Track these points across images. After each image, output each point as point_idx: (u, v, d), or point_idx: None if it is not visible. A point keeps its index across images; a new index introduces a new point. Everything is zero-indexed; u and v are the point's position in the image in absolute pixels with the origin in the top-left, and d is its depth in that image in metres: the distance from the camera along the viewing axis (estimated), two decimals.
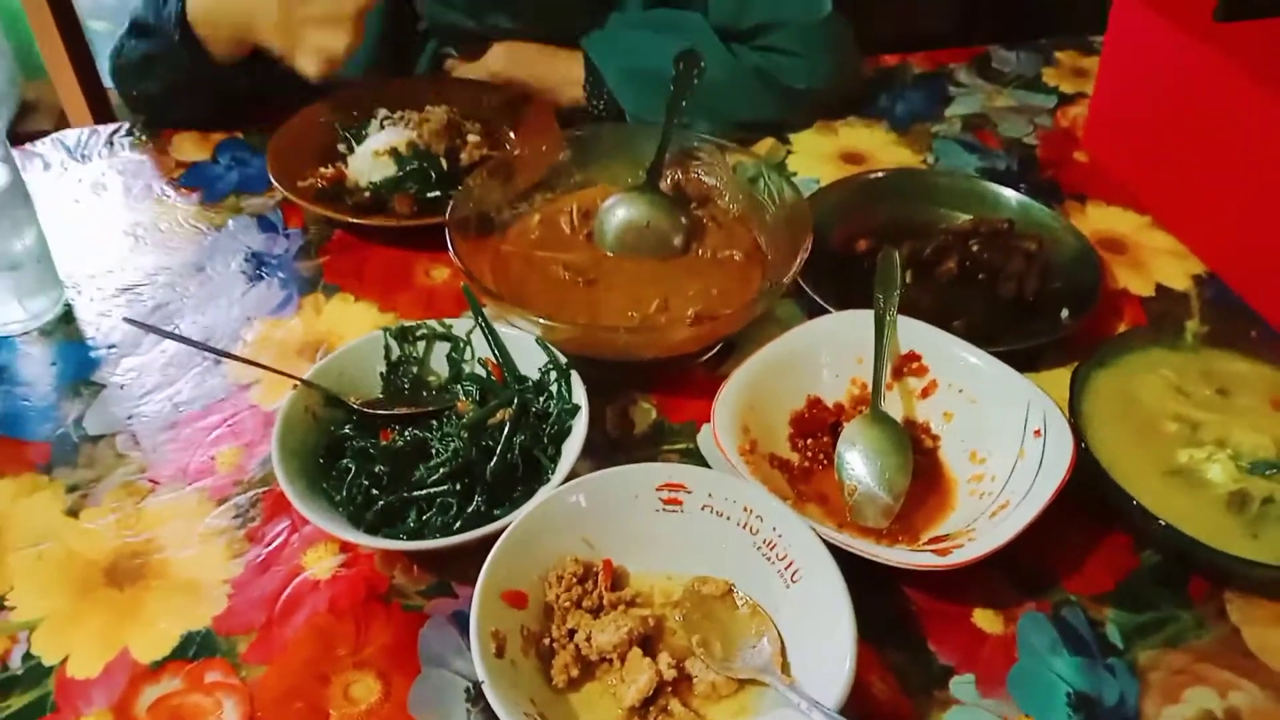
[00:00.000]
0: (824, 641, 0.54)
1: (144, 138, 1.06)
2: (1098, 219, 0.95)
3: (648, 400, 0.76)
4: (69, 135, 1.06)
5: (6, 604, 0.63)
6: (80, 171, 1.01)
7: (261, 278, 0.88)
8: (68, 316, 0.84)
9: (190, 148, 1.04)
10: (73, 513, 0.68)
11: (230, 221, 0.94)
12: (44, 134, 1.07)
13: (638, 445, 0.73)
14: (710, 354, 0.78)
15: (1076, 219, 0.95)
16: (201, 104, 1.02)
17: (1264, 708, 0.58)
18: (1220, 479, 0.63)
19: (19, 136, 2.21)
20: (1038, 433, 0.65)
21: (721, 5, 1.01)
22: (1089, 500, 0.65)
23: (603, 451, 0.72)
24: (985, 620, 0.62)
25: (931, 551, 0.60)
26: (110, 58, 1.04)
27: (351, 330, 0.82)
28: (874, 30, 1.64)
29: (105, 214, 0.96)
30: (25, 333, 0.82)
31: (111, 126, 1.07)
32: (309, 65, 0.89)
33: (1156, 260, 0.90)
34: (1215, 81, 0.84)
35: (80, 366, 0.79)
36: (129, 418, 0.75)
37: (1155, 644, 0.61)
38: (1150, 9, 0.91)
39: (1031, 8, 2.12)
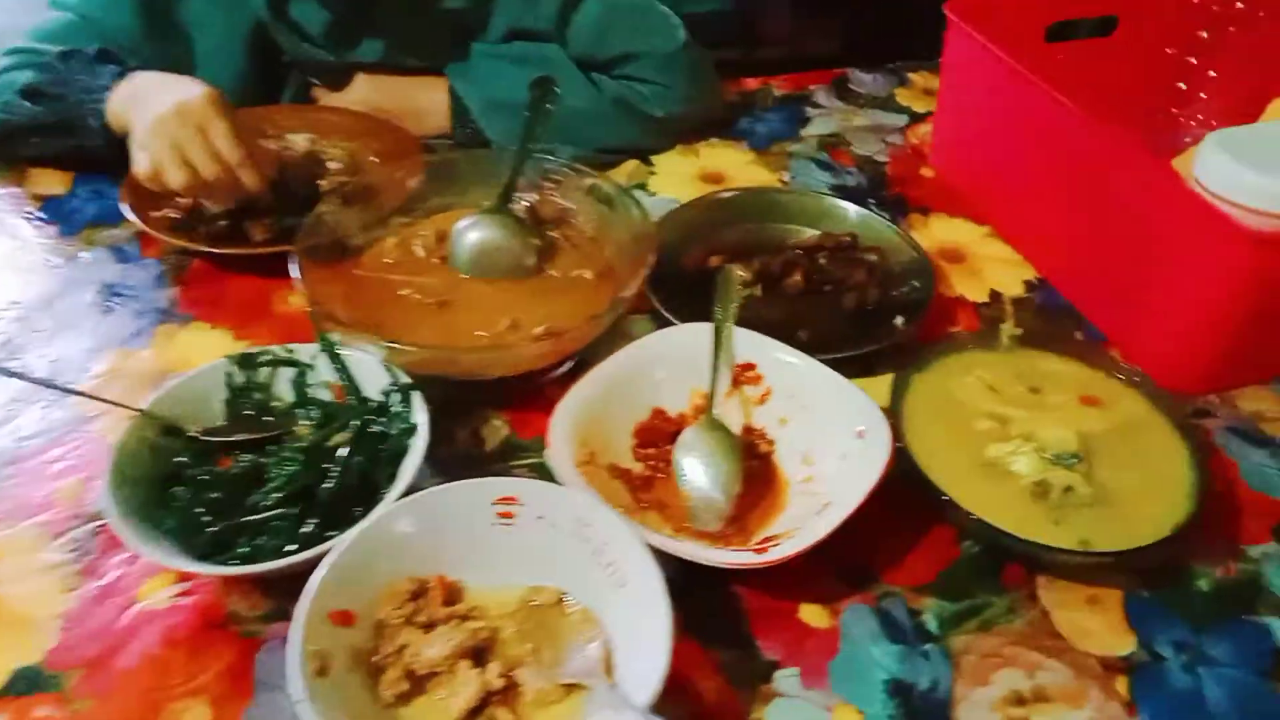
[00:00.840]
0: (646, 643, 0.56)
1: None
2: (940, 230, 1.00)
3: (500, 417, 0.78)
4: None
5: None
6: None
7: (114, 309, 0.87)
8: None
9: (48, 181, 1.03)
10: None
11: (85, 254, 0.93)
12: None
13: (488, 461, 0.75)
14: (561, 371, 0.80)
15: (920, 231, 1.00)
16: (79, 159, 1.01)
17: (1069, 685, 0.61)
18: (1026, 470, 0.67)
19: None
20: (861, 434, 0.69)
21: (580, 37, 1.04)
22: (913, 498, 0.69)
23: (453, 469, 0.73)
24: (811, 615, 0.65)
25: (752, 550, 0.62)
26: None
27: (206, 359, 0.81)
28: (761, 55, 1.70)
29: None
30: None
31: None
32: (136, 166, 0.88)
33: (992, 268, 0.95)
34: (1040, 101, 0.90)
35: None
36: None
37: (969, 630, 0.64)
38: (980, 32, 0.97)
39: (912, 31, 2.21)
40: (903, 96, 1.23)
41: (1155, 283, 0.81)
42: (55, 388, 0.75)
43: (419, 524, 0.61)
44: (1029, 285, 0.93)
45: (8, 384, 0.79)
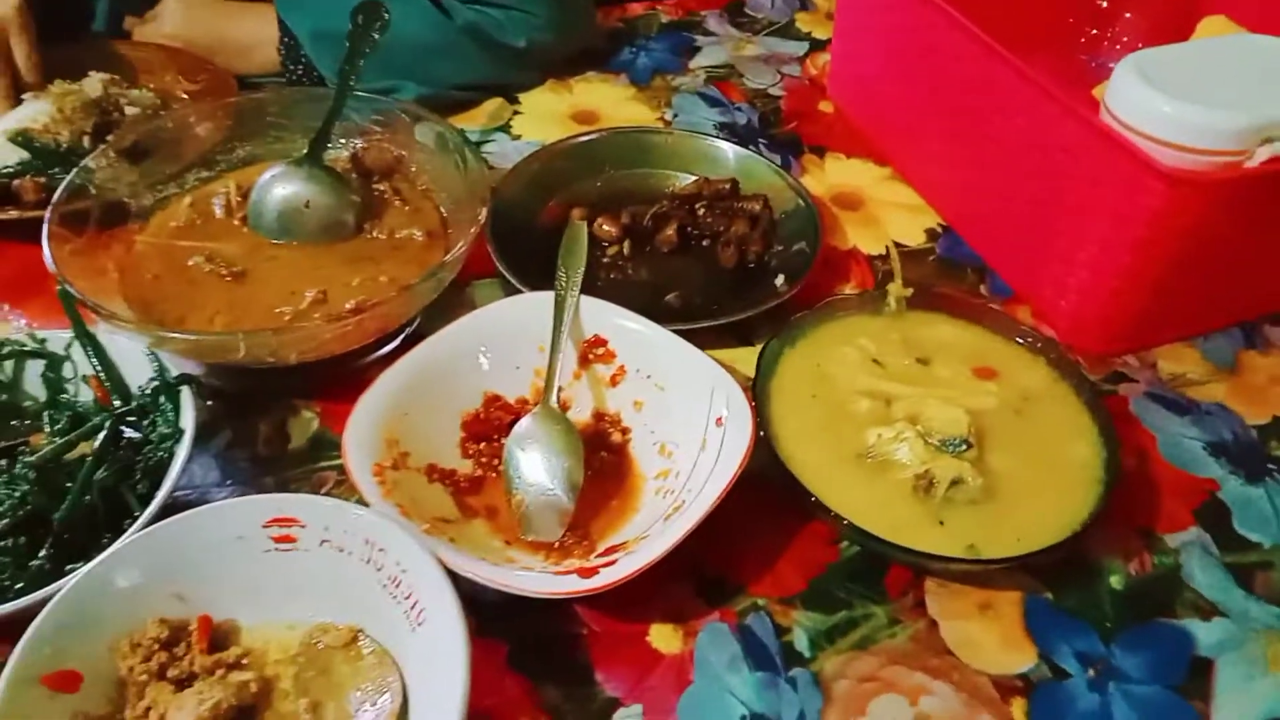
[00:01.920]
0: (444, 693, 0.46)
1: None
2: (836, 173, 0.89)
3: (310, 409, 0.66)
4: None
5: None
6: None
7: None
8: None
9: None
10: None
11: None
12: None
13: (292, 463, 0.63)
14: (384, 352, 0.69)
15: (814, 173, 0.89)
16: None
17: (957, 711, 0.52)
18: (908, 460, 0.57)
19: None
20: (720, 421, 0.58)
21: None
22: (784, 494, 0.59)
23: (249, 475, 0.62)
24: (662, 638, 0.55)
25: (577, 573, 0.52)
26: None
27: None
28: None
29: None
30: None
31: None
32: None
33: (892, 215, 0.85)
34: (945, 28, 0.78)
35: None
36: None
37: (844, 648, 0.55)
38: None
39: None
40: (803, 21, 1.11)
41: (1066, 228, 0.71)
42: None
43: (165, 559, 0.50)
44: (930, 233, 0.83)
45: None
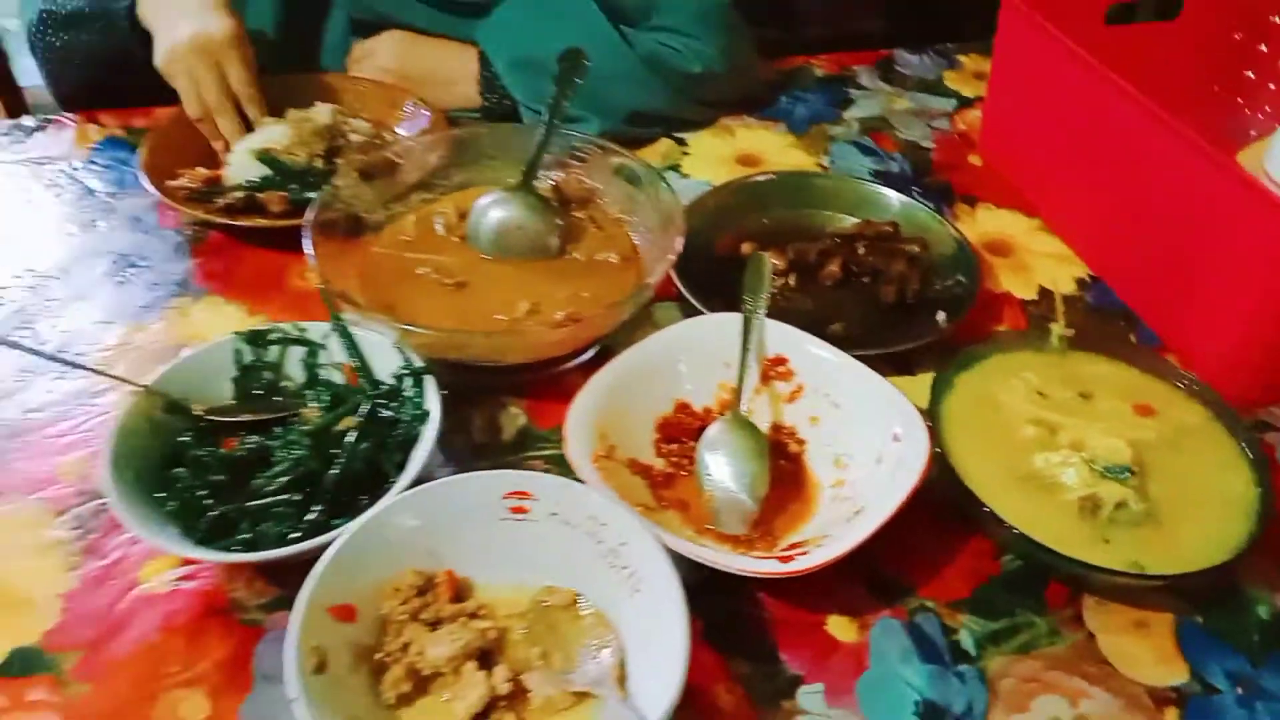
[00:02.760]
0: (661, 652, 0.53)
1: (23, 137, 1.02)
2: (987, 222, 0.95)
3: (517, 405, 0.75)
4: None
5: None
6: None
7: (129, 280, 0.85)
8: None
9: (66, 149, 1.01)
10: None
11: (101, 222, 0.91)
12: None
13: (503, 451, 0.72)
14: (584, 358, 0.77)
15: (966, 222, 0.95)
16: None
17: (1115, 715, 0.57)
18: (1074, 483, 0.62)
19: None
20: (896, 437, 0.65)
21: None
22: (952, 507, 0.65)
23: (466, 458, 0.70)
24: (839, 628, 0.61)
25: (777, 558, 0.59)
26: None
27: (218, 335, 0.79)
28: (803, 33, 1.65)
29: None
30: None
31: None
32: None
33: (1041, 263, 0.91)
34: (1099, 87, 0.84)
35: None
36: None
37: (1008, 651, 0.60)
38: (1036, 13, 0.91)
39: (962, 10, 2.14)
40: (951, 80, 1.18)
41: (1216, 284, 0.75)
42: (62, 361, 0.72)
43: (426, 516, 0.58)
44: (1080, 283, 0.88)
45: (17, 355, 0.77)
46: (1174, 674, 0.59)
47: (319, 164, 0.91)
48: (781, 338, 0.72)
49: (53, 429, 0.72)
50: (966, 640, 0.61)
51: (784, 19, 1.61)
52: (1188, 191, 0.77)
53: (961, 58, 1.22)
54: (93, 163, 0.99)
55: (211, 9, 0.92)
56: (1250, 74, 1.05)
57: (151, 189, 0.87)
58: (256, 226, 0.86)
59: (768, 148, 1.05)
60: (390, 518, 0.57)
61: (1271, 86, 1.06)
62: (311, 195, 0.86)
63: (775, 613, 0.62)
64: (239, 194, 0.88)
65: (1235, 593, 0.63)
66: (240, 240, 0.88)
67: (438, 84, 1.03)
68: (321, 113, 0.94)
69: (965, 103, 1.13)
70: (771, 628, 0.61)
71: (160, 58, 0.92)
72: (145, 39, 0.94)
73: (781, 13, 1.59)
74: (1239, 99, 1.06)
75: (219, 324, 0.81)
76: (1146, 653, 0.60)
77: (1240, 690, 0.58)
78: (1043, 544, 0.58)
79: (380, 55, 1.05)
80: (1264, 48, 1.05)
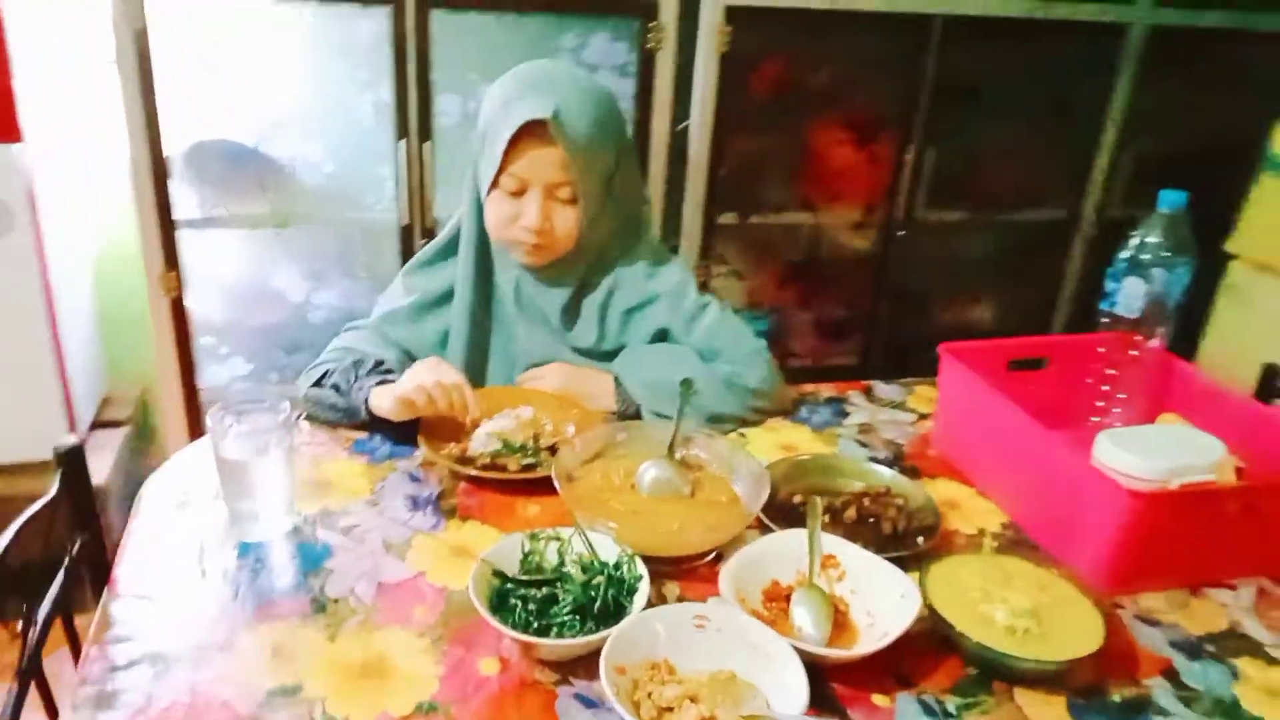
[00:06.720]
0: (790, 699, 1.00)
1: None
2: (942, 489, 1.51)
3: (674, 583, 1.24)
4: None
5: (303, 691, 1.04)
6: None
7: (418, 509, 1.36)
8: (297, 531, 1.30)
9: (351, 430, 1.55)
10: (330, 639, 1.11)
11: (390, 475, 1.44)
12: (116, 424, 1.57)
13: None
14: (708, 559, 1.28)
15: (930, 488, 1.50)
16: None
17: None
18: (1003, 620, 1.13)
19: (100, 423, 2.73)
20: (903, 596, 1.15)
21: (699, 336, 1.62)
22: (937, 636, 1.15)
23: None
24: (880, 700, 1.08)
25: (843, 649, 1.07)
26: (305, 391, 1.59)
27: (481, 542, 1.29)
28: (799, 366, 2.30)
29: (304, 469, 1.44)
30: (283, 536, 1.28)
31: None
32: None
33: (977, 513, 1.45)
34: (1004, 410, 1.43)
35: (312, 559, 1.25)
36: (352, 589, 1.20)
37: (972, 711, 1.07)
38: (962, 363, 1.53)
39: (910, 353, 2.88)
40: (912, 402, 1.79)
41: (1078, 523, 1.30)
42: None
43: (651, 626, 1.07)
44: (1003, 525, 1.43)
45: (365, 551, 1.26)
46: None
47: (530, 443, 1.45)
48: (831, 544, 1.24)
49: (397, 590, 1.20)
50: (951, 707, 1.08)
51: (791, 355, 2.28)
52: (1060, 470, 1.33)
53: (918, 388, 1.84)
54: (372, 439, 1.53)
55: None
56: (1100, 403, 1.67)
57: (432, 455, 1.41)
58: (501, 478, 1.39)
59: (798, 440, 1.62)
60: (634, 625, 1.06)
61: (1116, 410, 1.67)
62: (529, 461, 1.41)
63: (840, 691, 1.09)
64: (485, 459, 1.41)
65: (1100, 686, 1.12)
66: (480, 488, 1.41)
67: (588, 397, 1.61)
68: (525, 412, 1.51)
69: (923, 416, 1.73)
70: (840, 699, 1.08)
71: (398, 390, 1.43)
72: (377, 419, 1.48)
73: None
74: (1094, 418, 1.66)
75: (480, 536, 1.31)
76: (1049, 718, 1.07)
77: None
78: (987, 646, 1.08)
79: (549, 379, 1.64)
80: (1106, 387, 1.67)
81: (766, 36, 2.63)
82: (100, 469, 2.56)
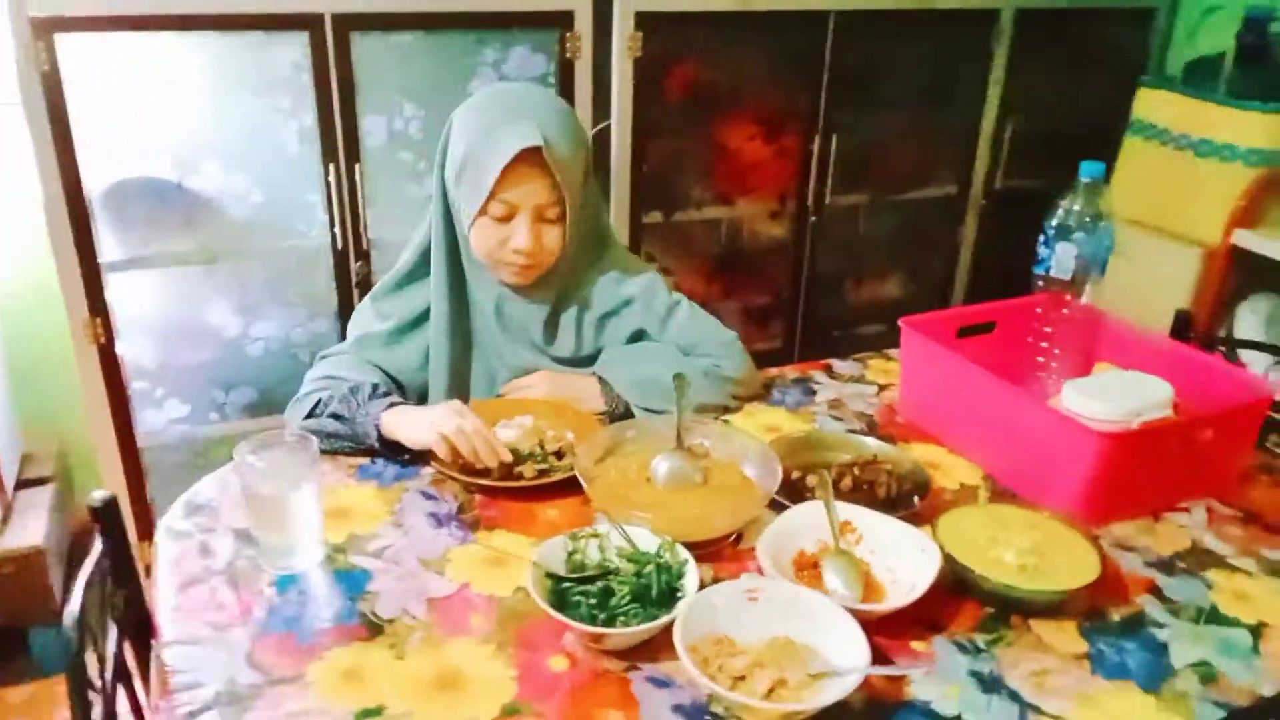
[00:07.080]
0: (848, 661, 1.09)
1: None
2: (919, 452, 1.63)
3: (705, 565, 1.32)
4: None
5: (388, 710, 1.07)
6: None
7: (441, 525, 1.39)
8: (329, 560, 1.31)
9: (350, 456, 1.56)
10: (399, 657, 1.14)
11: (404, 496, 1.46)
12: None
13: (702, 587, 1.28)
14: (729, 539, 1.36)
15: (905, 451, 1.62)
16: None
17: (1052, 668, 1.16)
18: (1013, 560, 1.25)
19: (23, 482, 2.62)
20: (923, 551, 1.26)
21: (674, 334, 1.71)
22: (956, 581, 1.26)
23: None
24: (919, 645, 1.18)
25: (876, 604, 1.17)
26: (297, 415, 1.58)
27: (514, 549, 1.33)
28: None
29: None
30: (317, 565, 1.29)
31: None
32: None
33: (957, 470, 1.58)
34: (961, 369, 1.56)
35: (354, 584, 1.26)
36: (404, 608, 1.22)
37: (999, 645, 1.19)
38: (920, 334, 1.66)
39: (830, 333, 3.04)
40: (870, 375, 1.91)
41: (1051, 467, 1.44)
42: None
43: (709, 604, 1.14)
44: (982, 478, 1.56)
45: (404, 572, 1.28)
46: (1080, 647, 1.19)
47: (539, 450, 1.50)
48: (845, 511, 1.34)
49: (445, 604, 1.23)
50: (980, 643, 1.19)
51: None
52: (1025, 422, 1.47)
53: (871, 361, 1.96)
54: (374, 463, 1.54)
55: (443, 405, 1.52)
56: (1040, 359, 1.83)
57: (443, 471, 1.44)
58: (517, 487, 1.43)
59: (778, 420, 1.72)
60: (695, 604, 1.13)
61: (1053, 365, 1.83)
62: (542, 466, 1.45)
63: (879, 640, 1.18)
64: (493, 469, 1.45)
65: (1101, 608, 1.25)
66: (493, 498, 1.44)
67: (576, 400, 1.67)
68: (528, 420, 1.55)
69: (884, 386, 1.86)
70: (882, 645, 1.18)
71: (425, 431, 1.44)
72: (388, 443, 1.48)
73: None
74: (1039, 373, 1.82)
75: (511, 543, 1.35)
76: (1066, 639, 1.20)
77: (1112, 653, 1.19)
78: (1010, 585, 1.20)
79: (537, 387, 1.68)
80: (1045, 344, 1.82)
81: (676, 40, 2.73)
82: (35, 530, 2.45)
